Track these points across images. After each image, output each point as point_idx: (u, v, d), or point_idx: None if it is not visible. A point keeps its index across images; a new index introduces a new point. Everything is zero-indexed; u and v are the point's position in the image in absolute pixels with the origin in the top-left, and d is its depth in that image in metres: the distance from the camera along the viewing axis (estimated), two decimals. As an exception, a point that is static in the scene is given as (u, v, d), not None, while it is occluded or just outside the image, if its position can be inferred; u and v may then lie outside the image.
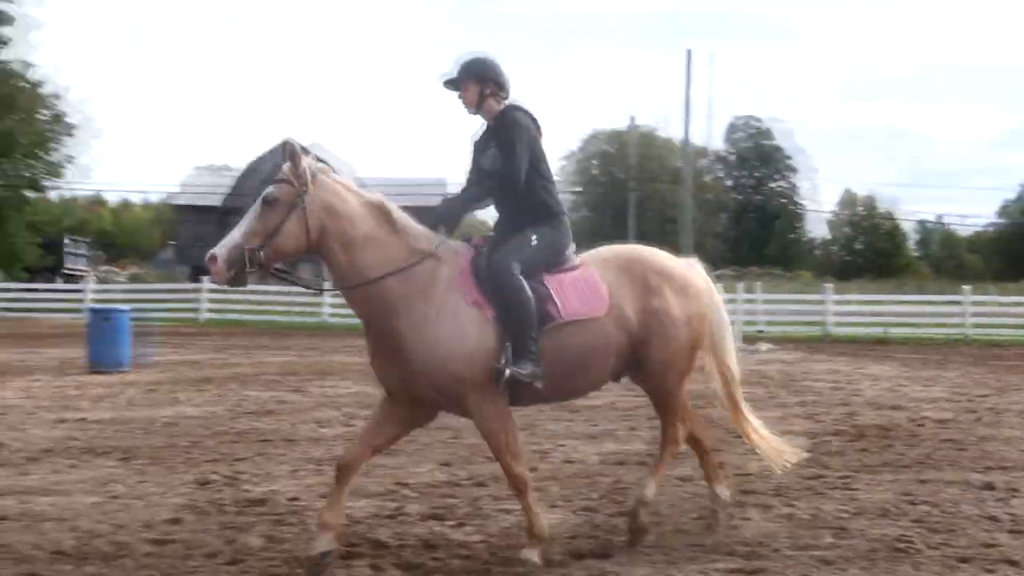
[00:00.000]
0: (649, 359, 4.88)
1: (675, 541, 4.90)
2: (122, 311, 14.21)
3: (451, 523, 5.25)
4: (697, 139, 49.51)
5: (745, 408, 5.30)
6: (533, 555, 4.39)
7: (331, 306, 25.73)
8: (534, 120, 4.93)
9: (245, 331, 23.86)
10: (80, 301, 27.97)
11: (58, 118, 39.27)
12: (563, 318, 4.58)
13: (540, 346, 4.45)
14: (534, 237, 4.73)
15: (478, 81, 4.87)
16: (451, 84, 4.93)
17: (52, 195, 46.95)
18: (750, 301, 24.96)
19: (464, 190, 5.01)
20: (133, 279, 47.94)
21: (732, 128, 68.86)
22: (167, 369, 13.84)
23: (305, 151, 4.52)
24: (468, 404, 4.51)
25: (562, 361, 4.59)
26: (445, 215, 4.82)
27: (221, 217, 60.14)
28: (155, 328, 17.49)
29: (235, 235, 4.40)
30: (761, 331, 23.07)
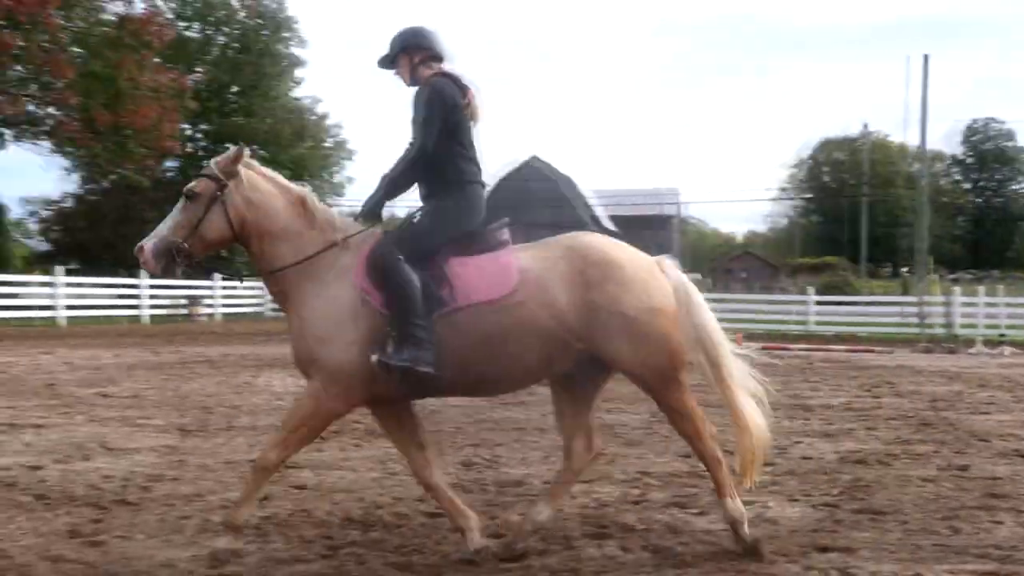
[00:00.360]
0: (620, 361, 4.30)
1: (921, 541, 4.58)
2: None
3: (694, 511, 5.17)
4: (917, 142, 46.13)
5: (746, 410, 4.42)
6: None
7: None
8: (460, 86, 4.46)
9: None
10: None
11: (340, 145, 42.31)
12: (459, 302, 4.15)
13: (437, 332, 4.07)
14: (418, 215, 4.38)
15: (406, 53, 4.54)
16: (384, 63, 4.64)
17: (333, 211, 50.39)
18: (991, 304, 23.02)
19: (383, 176, 4.50)
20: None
21: (971, 130, 63.71)
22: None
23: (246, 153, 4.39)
24: (317, 387, 4.24)
25: (465, 348, 4.13)
26: (365, 207, 4.47)
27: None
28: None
29: (162, 228, 4.28)
30: (1003, 335, 21.25)
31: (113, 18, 27.76)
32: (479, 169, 4.50)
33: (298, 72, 41.59)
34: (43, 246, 43.19)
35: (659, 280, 4.34)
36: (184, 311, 28.09)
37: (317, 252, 4.28)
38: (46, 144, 30.15)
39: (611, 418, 8.59)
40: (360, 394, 4.21)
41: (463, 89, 4.46)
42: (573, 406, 4.56)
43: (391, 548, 4.45)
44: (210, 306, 28.88)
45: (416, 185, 4.51)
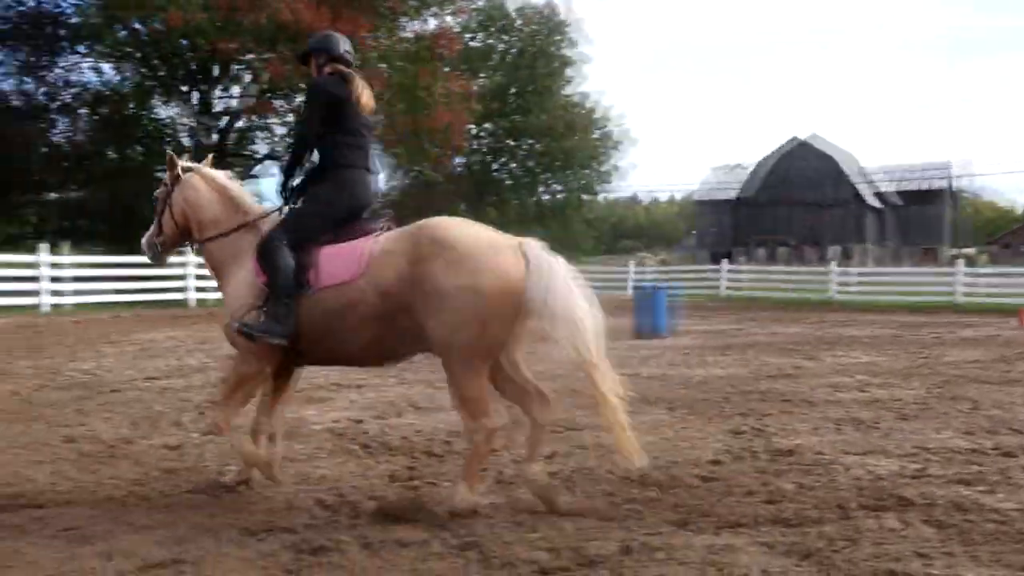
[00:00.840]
0: (430, 336, 4.14)
1: None
2: (661, 287, 14.89)
3: (981, 488, 4.66)
4: None
5: (610, 398, 4.21)
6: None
7: (838, 284, 25.04)
8: (346, 82, 4.61)
9: (758, 306, 23.70)
10: (624, 280, 30.09)
11: (607, 136, 42.58)
12: (318, 285, 4.30)
13: (299, 311, 4.27)
14: (290, 207, 4.67)
15: (313, 54, 4.83)
16: (299, 59, 5.08)
17: (600, 198, 50.85)
18: None
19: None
20: (662, 263, 50.18)
21: None
22: (696, 337, 14.25)
23: (180, 162, 4.94)
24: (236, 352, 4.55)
25: (316, 325, 4.31)
26: (277, 191, 4.80)
27: (733, 209, 60.69)
28: (683, 303, 18.11)
29: (150, 229, 4.99)
30: None
31: (411, 35, 29.58)
32: (365, 155, 4.66)
33: (576, 69, 42.34)
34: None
35: (499, 262, 4.10)
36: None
37: (231, 230, 4.71)
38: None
39: (883, 393, 7.99)
40: (268, 358, 4.45)
41: (348, 84, 4.62)
42: (502, 372, 4.39)
43: (668, 506, 4.39)
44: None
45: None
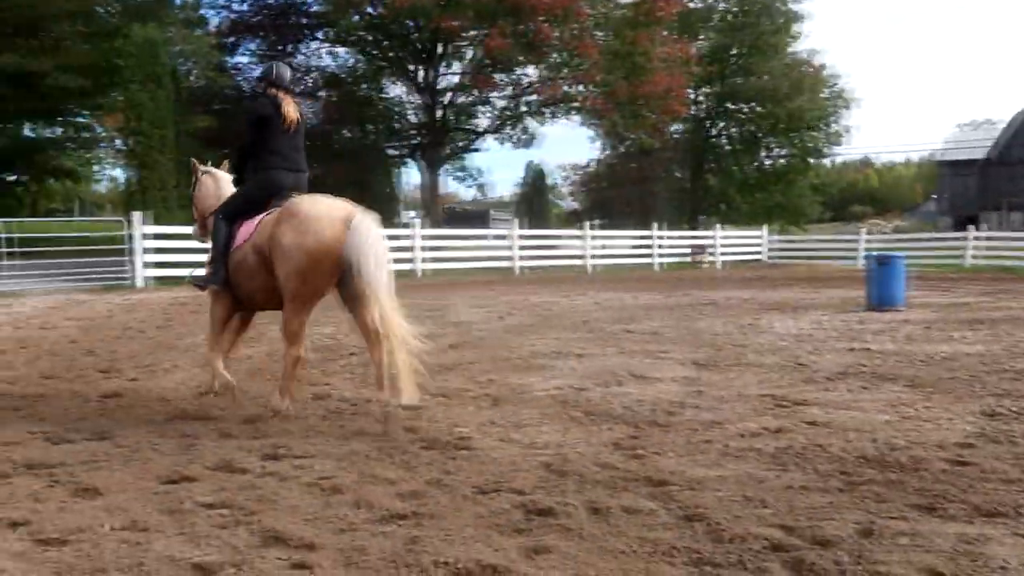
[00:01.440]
0: (279, 281, 5.48)
1: None
2: (897, 257, 13.88)
3: None
4: None
5: (396, 335, 5.26)
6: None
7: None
8: (274, 104, 5.89)
9: (1013, 277, 21.53)
10: (853, 250, 28.34)
11: (837, 94, 40.10)
12: (232, 246, 5.78)
13: (228, 265, 5.78)
14: (227, 195, 6.26)
15: (260, 80, 6.37)
16: (255, 84, 6.38)
17: (827, 161, 48.19)
18: None
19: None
20: (896, 230, 46.82)
21: None
22: (937, 310, 13.18)
23: (200, 167, 6.69)
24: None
25: (233, 275, 5.79)
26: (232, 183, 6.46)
27: (982, 169, 55.30)
28: (920, 273, 16.81)
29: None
30: None
31: (628, 0, 29.23)
32: (283, 159, 5.89)
33: (798, 27, 40.16)
34: (573, 205, 47.67)
35: (328, 228, 5.29)
36: (689, 259, 29.02)
37: (211, 212, 6.26)
38: (576, 118, 33.03)
39: None
40: (223, 302, 5.95)
41: (277, 106, 5.87)
42: (358, 319, 5.56)
43: (911, 490, 4.11)
44: (712, 254, 29.45)
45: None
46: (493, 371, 7.61)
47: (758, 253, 30.95)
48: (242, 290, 5.80)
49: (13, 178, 36.26)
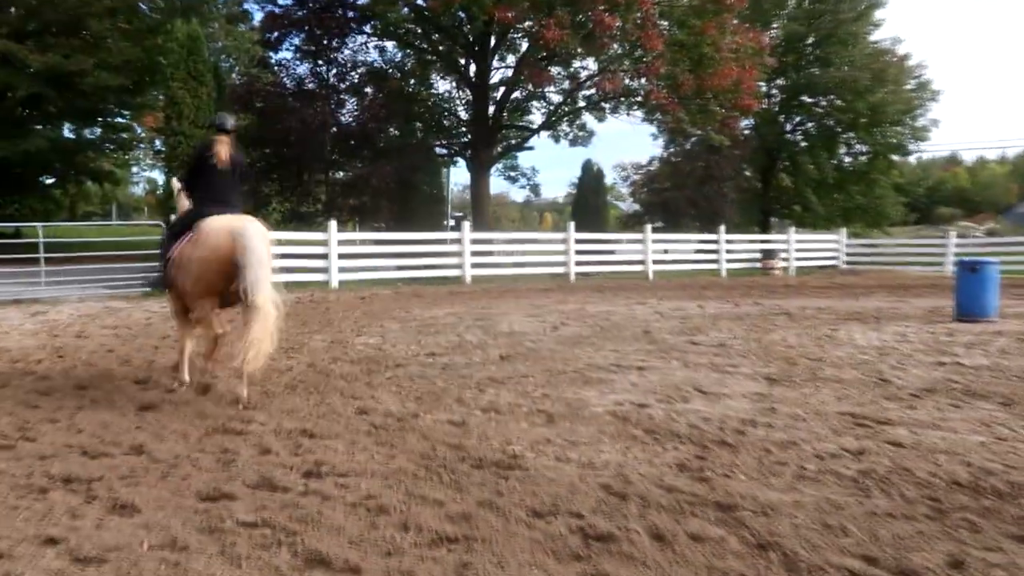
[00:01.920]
0: None
1: None
2: (990, 263, 13.52)
3: None
4: None
5: (255, 334, 6.39)
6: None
7: None
8: (206, 148, 7.49)
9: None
10: (942, 255, 27.69)
11: (923, 86, 39.27)
12: (167, 257, 7.30)
13: (167, 271, 7.28)
14: (172, 217, 7.42)
15: (209, 127, 7.55)
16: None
17: (911, 158, 47.17)
18: None
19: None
20: (989, 233, 45.66)
21: None
22: (1037, 321, 12.81)
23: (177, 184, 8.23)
24: None
25: (170, 280, 7.28)
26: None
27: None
28: (1014, 281, 16.32)
29: None
30: None
31: (696, -13, 28.98)
32: (216, 191, 7.30)
33: (879, 13, 39.46)
34: (633, 207, 47.36)
35: (215, 239, 6.79)
36: (759, 265, 28.64)
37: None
38: (638, 114, 32.87)
39: None
40: (175, 302, 7.55)
41: (210, 148, 7.43)
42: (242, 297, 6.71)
43: (1009, 518, 3.99)
44: (785, 259, 29.03)
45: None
46: (547, 385, 7.60)
47: (834, 258, 30.42)
48: (175, 289, 7.42)
49: (51, 180, 37.38)
